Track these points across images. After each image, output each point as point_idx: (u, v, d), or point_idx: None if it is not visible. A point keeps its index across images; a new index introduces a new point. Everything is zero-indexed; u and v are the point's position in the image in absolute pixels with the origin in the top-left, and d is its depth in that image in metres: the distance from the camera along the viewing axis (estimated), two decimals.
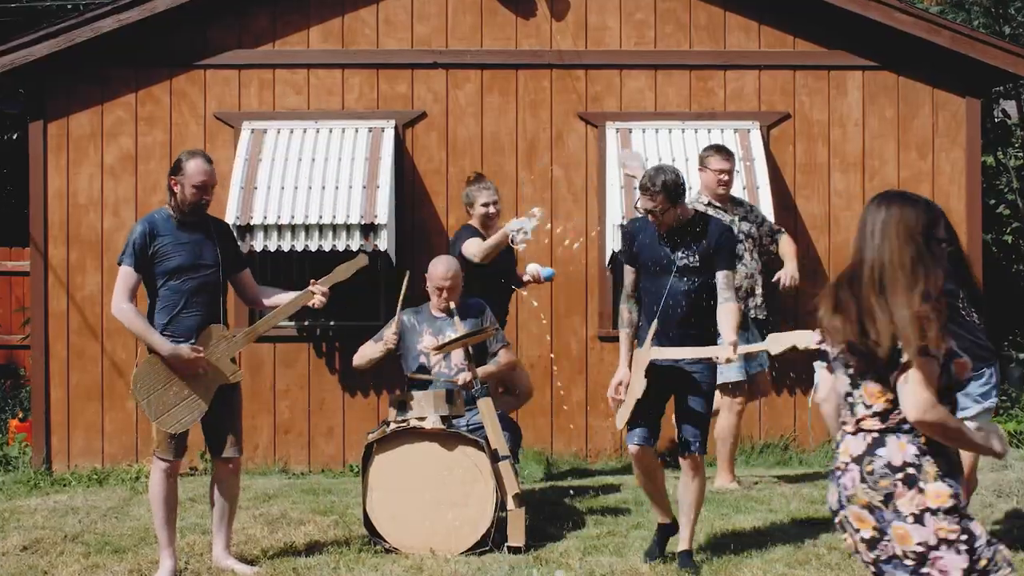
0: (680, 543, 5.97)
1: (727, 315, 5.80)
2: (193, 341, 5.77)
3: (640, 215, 6.00)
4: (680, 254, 5.87)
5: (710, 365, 5.93)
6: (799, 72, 9.36)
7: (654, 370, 5.76)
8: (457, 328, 6.74)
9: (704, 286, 5.88)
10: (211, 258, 5.89)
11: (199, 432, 6.10)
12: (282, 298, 6.13)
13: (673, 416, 6.07)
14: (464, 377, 6.65)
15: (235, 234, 8.31)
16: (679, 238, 5.90)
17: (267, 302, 6.17)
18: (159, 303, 5.81)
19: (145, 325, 5.74)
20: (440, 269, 6.91)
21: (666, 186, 5.76)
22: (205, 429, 6.03)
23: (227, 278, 6.03)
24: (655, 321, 5.84)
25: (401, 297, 6.95)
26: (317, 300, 6.03)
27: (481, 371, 6.75)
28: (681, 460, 5.96)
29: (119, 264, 5.80)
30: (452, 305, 6.84)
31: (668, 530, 6.09)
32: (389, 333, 6.88)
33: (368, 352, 7.00)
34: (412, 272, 7.49)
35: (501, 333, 7.10)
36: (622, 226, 6.62)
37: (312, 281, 6.09)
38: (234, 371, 5.90)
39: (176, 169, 5.82)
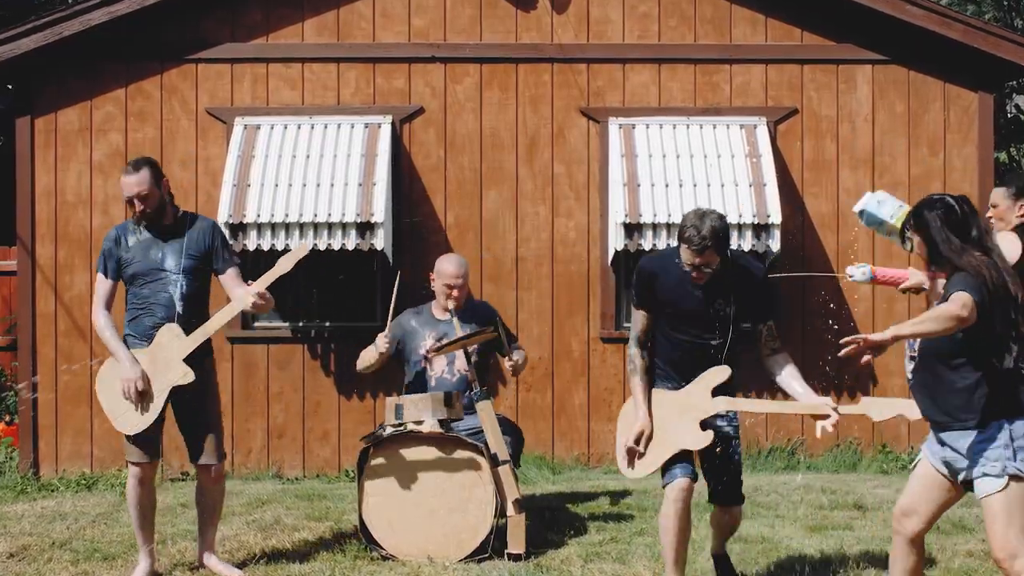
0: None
1: (790, 367, 5.08)
2: (148, 342, 5.72)
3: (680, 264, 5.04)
4: (716, 302, 5.03)
5: (737, 415, 5.27)
6: (807, 66, 9.21)
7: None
8: (456, 330, 6.56)
9: (738, 338, 5.10)
10: (172, 264, 5.75)
11: None
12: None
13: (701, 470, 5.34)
14: (432, 344, 6.51)
15: (227, 233, 8.31)
16: (712, 283, 5.01)
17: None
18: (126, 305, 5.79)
19: (111, 335, 5.71)
20: (451, 268, 6.69)
21: (715, 233, 4.82)
22: (183, 434, 5.91)
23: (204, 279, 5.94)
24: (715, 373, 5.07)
25: (393, 302, 6.75)
26: (248, 302, 5.71)
27: (517, 355, 6.59)
28: (729, 512, 5.36)
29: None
30: (451, 306, 6.65)
31: None
32: (381, 337, 6.68)
33: (367, 358, 6.82)
34: (404, 274, 7.22)
35: (516, 342, 6.88)
36: (640, 262, 5.36)
37: (249, 282, 5.85)
38: (184, 372, 5.72)
39: (160, 172, 5.82)
